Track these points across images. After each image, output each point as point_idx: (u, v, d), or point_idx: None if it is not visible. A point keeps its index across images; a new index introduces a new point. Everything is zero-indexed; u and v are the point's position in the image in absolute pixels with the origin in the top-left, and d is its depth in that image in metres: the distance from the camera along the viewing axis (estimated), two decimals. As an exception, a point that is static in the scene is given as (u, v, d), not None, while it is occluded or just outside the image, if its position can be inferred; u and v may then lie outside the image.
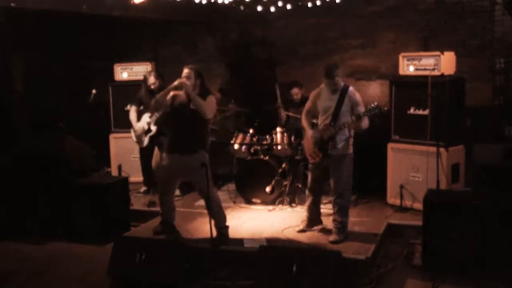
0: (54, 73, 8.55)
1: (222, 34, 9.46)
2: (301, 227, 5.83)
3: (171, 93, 5.47)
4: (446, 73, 6.08)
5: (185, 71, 5.45)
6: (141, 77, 7.39)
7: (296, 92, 7.40)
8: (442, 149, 5.97)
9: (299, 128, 6.56)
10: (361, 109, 5.33)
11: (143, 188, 7.50)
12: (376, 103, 5.29)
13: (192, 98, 5.34)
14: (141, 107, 7.16)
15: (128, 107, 7.60)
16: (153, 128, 7.04)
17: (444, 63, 6.12)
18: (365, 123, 5.29)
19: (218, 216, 5.52)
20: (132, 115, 7.17)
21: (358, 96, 5.41)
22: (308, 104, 5.67)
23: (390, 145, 6.56)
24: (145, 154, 7.29)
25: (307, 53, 8.79)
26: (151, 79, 7.01)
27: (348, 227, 5.58)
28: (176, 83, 5.39)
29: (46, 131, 8.24)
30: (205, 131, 5.58)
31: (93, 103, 7.61)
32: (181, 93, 5.44)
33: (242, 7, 8.25)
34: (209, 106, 5.41)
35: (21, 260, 5.83)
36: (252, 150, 7.14)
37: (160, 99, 5.50)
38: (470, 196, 5.45)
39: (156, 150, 7.16)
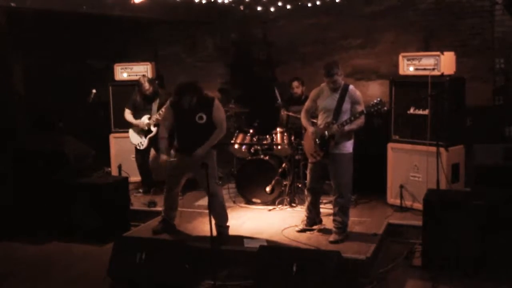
0: (54, 73, 8.55)
1: (222, 34, 9.46)
2: (301, 227, 5.82)
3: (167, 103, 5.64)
4: (446, 73, 6.08)
5: (184, 98, 5.39)
6: (141, 77, 7.38)
7: (296, 85, 7.41)
8: (442, 149, 5.96)
9: (299, 128, 6.56)
10: (360, 108, 5.33)
11: (143, 188, 7.49)
12: (379, 99, 5.28)
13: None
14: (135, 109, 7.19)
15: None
16: (153, 129, 7.05)
17: (444, 63, 6.12)
18: (362, 120, 5.32)
19: (219, 216, 5.54)
20: (128, 117, 7.19)
21: (358, 95, 5.42)
22: (308, 103, 5.65)
23: (390, 145, 6.55)
24: (142, 155, 7.28)
25: (307, 53, 8.79)
26: (146, 86, 6.99)
27: (348, 227, 5.58)
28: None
29: (46, 131, 8.25)
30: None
31: (93, 103, 7.61)
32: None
33: (242, 7, 8.26)
34: (223, 126, 5.59)
35: (21, 260, 5.82)
36: (252, 150, 7.14)
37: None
38: (470, 196, 5.44)
39: (152, 151, 7.17)
